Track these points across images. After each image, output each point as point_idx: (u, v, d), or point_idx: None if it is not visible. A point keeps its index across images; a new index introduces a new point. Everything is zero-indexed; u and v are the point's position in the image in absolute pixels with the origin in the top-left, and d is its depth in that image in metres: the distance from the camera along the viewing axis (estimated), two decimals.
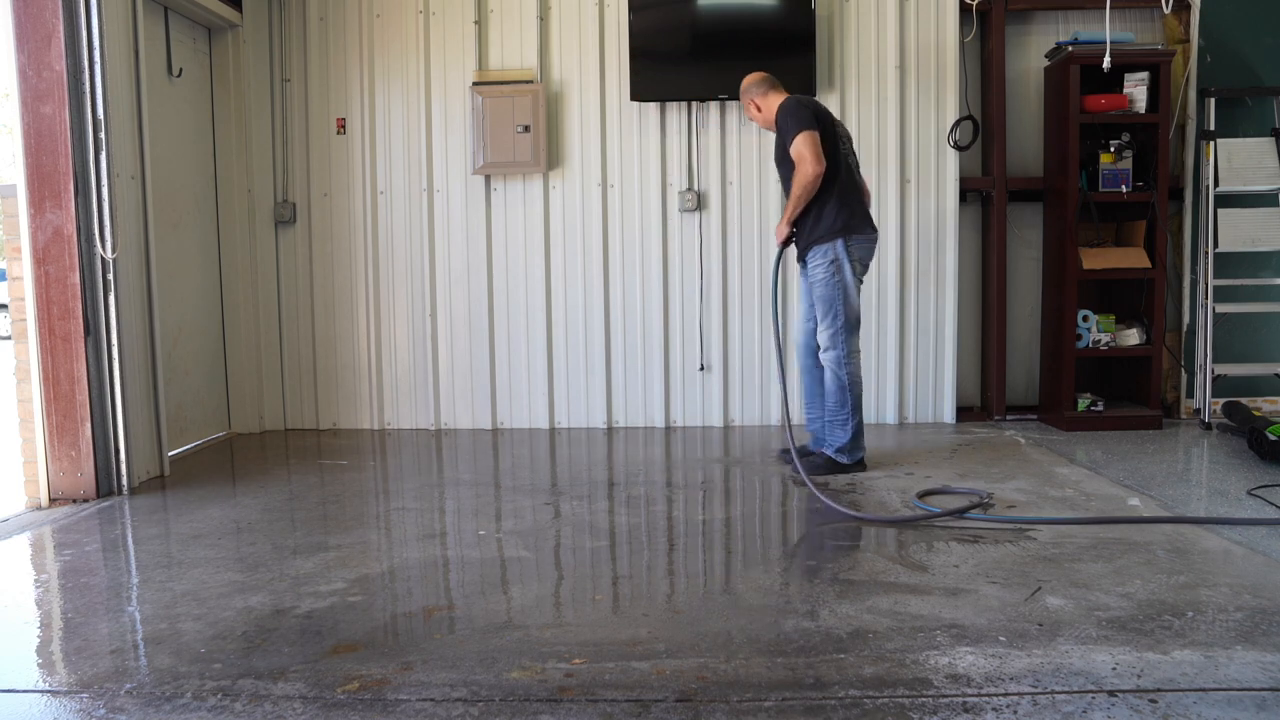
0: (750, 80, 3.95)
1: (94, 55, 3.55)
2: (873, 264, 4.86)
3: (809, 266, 3.82)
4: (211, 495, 3.70)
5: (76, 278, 3.56)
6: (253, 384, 5.02)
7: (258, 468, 4.23)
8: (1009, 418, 5.06)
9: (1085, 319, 4.76)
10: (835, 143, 3.74)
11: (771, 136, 4.87)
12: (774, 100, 3.84)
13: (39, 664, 2.19)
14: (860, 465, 3.87)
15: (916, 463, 4.05)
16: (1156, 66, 4.67)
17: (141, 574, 2.79)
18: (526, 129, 4.83)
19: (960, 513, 3.20)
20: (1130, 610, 2.34)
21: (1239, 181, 4.78)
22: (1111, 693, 1.90)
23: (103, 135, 3.59)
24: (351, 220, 5.02)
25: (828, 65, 4.87)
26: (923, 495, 3.46)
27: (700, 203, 4.92)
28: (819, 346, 3.84)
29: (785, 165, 3.80)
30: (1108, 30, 4.45)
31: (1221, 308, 4.82)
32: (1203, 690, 1.91)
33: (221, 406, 4.95)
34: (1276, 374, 4.91)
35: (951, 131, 4.85)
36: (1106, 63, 4.39)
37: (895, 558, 2.85)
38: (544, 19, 4.91)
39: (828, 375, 3.81)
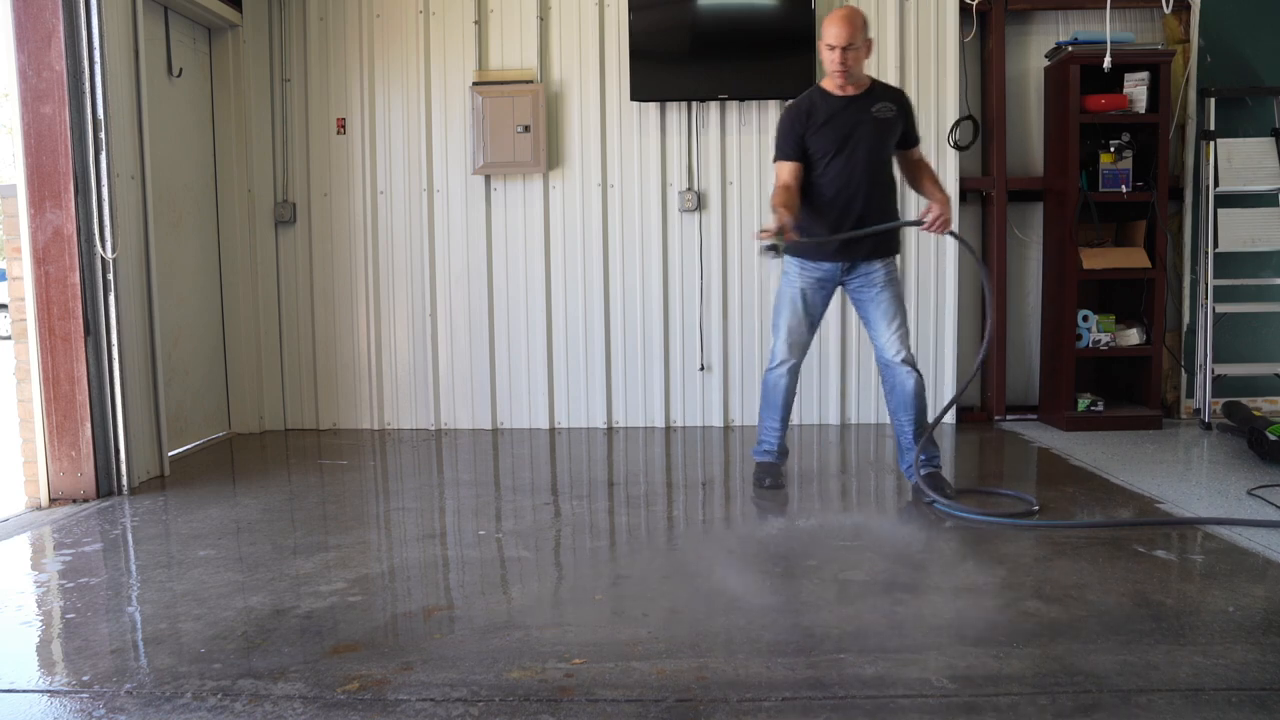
0: (863, 18, 3.37)
1: (94, 55, 3.55)
2: None
3: (885, 271, 3.45)
4: (211, 495, 3.70)
5: (76, 278, 3.56)
6: (253, 384, 5.02)
7: (258, 468, 4.23)
8: (1009, 418, 5.06)
9: (1085, 319, 4.76)
10: None
11: (768, 135, 4.83)
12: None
13: (39, 664, 2.19)
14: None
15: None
16: (1156, 66, 4.67)
17: (141, 574, 2.79)
18: (526, 129, 4.83)
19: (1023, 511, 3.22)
20: (1130, 610, 2.34)
21: (1239, 181, 4.78)
22: (1112, 692, 1.90)
23: (103, 135, 3.59)
24: (351, 220, 5.02)
25: None
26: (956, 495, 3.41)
27: (700, 203, 4.92)
28: (896, 355, 3.42)
29: (889, 147, 3.46)
30: (1108, 30, 4.45)
31: (1221, 308, 4.82)
32: (1202, 690, 1.91)
33: (221, 406, 4.95)
34: (1276, 374, 4.91)
35: (951, 131, 4.85)
36: (1107, 63, 4.39)
37: (895, 557, 2.85)
38: (544, 19, 4.91)
39: (915, 381, 3.42)
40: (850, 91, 3.39)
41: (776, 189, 3.40)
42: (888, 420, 4.86)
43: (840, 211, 3.39)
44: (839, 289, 3.55)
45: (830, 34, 3.31)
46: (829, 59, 3.35)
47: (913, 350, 3.49)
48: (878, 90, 3.45)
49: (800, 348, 3.55)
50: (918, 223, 3.39)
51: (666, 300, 4.98)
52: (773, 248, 3.16)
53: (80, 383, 3.59)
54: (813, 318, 3.53)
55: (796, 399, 3.64)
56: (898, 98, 3.48)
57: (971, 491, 3.51)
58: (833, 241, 3.39)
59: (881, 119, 3.39)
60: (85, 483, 3.63)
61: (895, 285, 3.46)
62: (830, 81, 3.41)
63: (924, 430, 3.45)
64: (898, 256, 3.54)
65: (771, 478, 3.62)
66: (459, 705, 1.89)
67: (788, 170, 3.40)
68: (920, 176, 3.54)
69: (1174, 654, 2.08)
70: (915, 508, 3.34)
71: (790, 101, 3.59)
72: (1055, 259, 4.88)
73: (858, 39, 3.31)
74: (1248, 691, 1.90)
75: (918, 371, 3.45)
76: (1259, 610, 2.33)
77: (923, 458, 3.44)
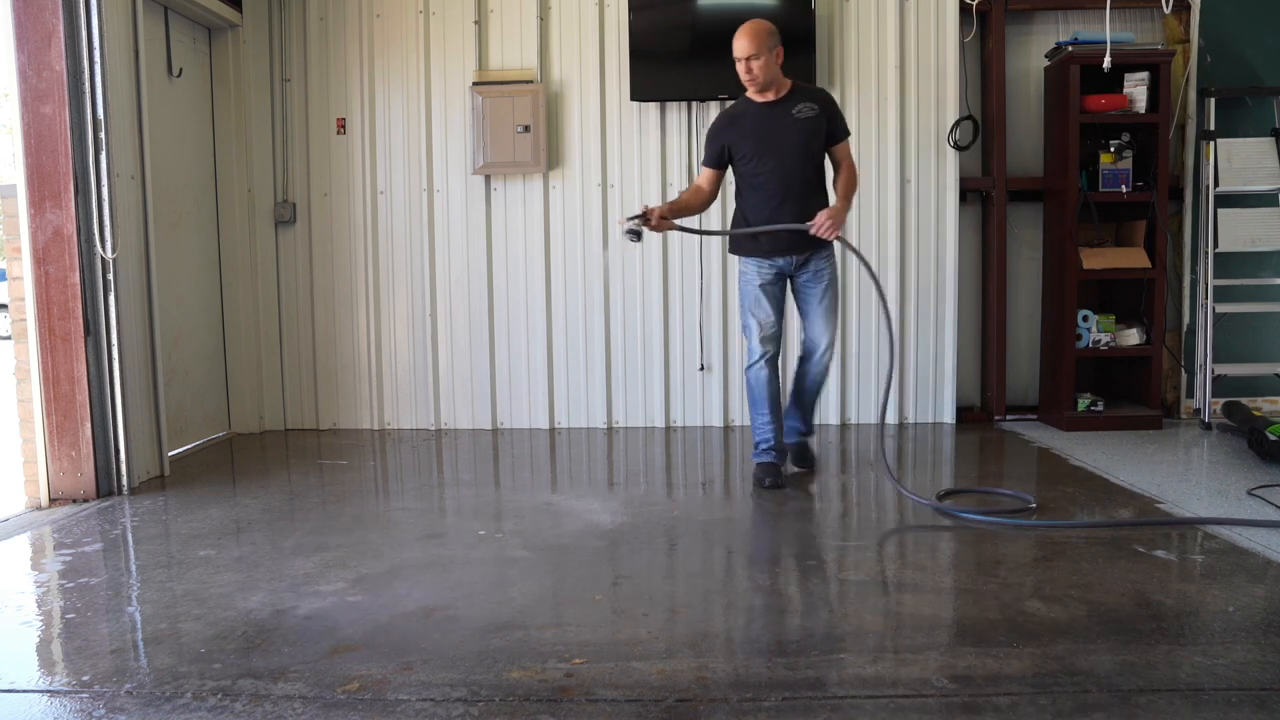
0: (767, 29, 3.48)
1: (94, 55, 3.55)
2: (873, 264, 4.92)
3: (829, 265, 3.62)
4: (211, 495, 3.70)
5: (76, 278, 3.56)
6: (253, 384, 5.02)
7: (258, 468, 4.23)
8: (1009, 418, 5.06)
9: (1085, 319, 4.76)
10: None
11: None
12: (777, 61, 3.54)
13: (39, 664, 2.19)
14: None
15: (916, 464, 4.04)
16: (1156, 66, 4.67)
17: (141, 574, 2.79)
18: (526, 129, 4.83)
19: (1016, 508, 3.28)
20: (1130, 610, 2.34)
21: (1239, 181, 4.78)
22: (1112, 692, 1.90)
23: (103, 135, 3.59)
24: (351, 220, 5.02)
25: (828, 65, 4.87)
26: (944, 495, 3.44)
27: None
28: (826, 347, 3.66)
29: (813, 148, 3.56)
30: (1108, 30, 4.45)
31: (1221, 308, 4.82)
32: (1202, 690, 1.91)
33: (221, 406, 4.95)
34: (1276, 374, 4.91)
35: (951, 131, 4.85)
36: (1106, 63, 4.38)
37: (896, 557, 2.85)
38: (544, 19, 4.91)
39: (820, 374, 3.72)
40: (770, 97, 3.56)
41: (689, 188, 3.71)
42: (888, 420, 4.89)
43: (773, 211, 3.56)
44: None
45: (735, 48, 3.48)
46: (739, 70, 3.52)
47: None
48: (799, 93, 3.60)
49: (773, 339, 3.68)
50: (804, 229, 3.48)
51: (666, 300, 4.98)
52: (634, 232, 3.46)
53: (80, 383, 3.60)
54: (778, 309, 3.68)
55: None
56: (819, 97, 3.62)
57: (970, 491, 3.52)
58: (762, 240, 3.59)
59: (802, 119, 3.54)
60: (85, 483, 3.63)
61: (836, 283, 3.70)
62: (750, 90, 3.58)
63: (811, 415, 3.85)
64: (825, 258, 3.65)
65: (772, 478, 3.64)
66: (459, 705, 1.89)
67: (704, 175, 3.68)
68: (836, 176, 3.66)
69: (1174, 654, 2.08)
70: (909, 509, 3.34)
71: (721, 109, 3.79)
72: (1055, 259, 4.88)
73: (761, 49, 3.45)
74: (1248, 691, 1.90)
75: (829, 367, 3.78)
76: (1259, 610, 2.33)
77: (801, 428, 3.84)
